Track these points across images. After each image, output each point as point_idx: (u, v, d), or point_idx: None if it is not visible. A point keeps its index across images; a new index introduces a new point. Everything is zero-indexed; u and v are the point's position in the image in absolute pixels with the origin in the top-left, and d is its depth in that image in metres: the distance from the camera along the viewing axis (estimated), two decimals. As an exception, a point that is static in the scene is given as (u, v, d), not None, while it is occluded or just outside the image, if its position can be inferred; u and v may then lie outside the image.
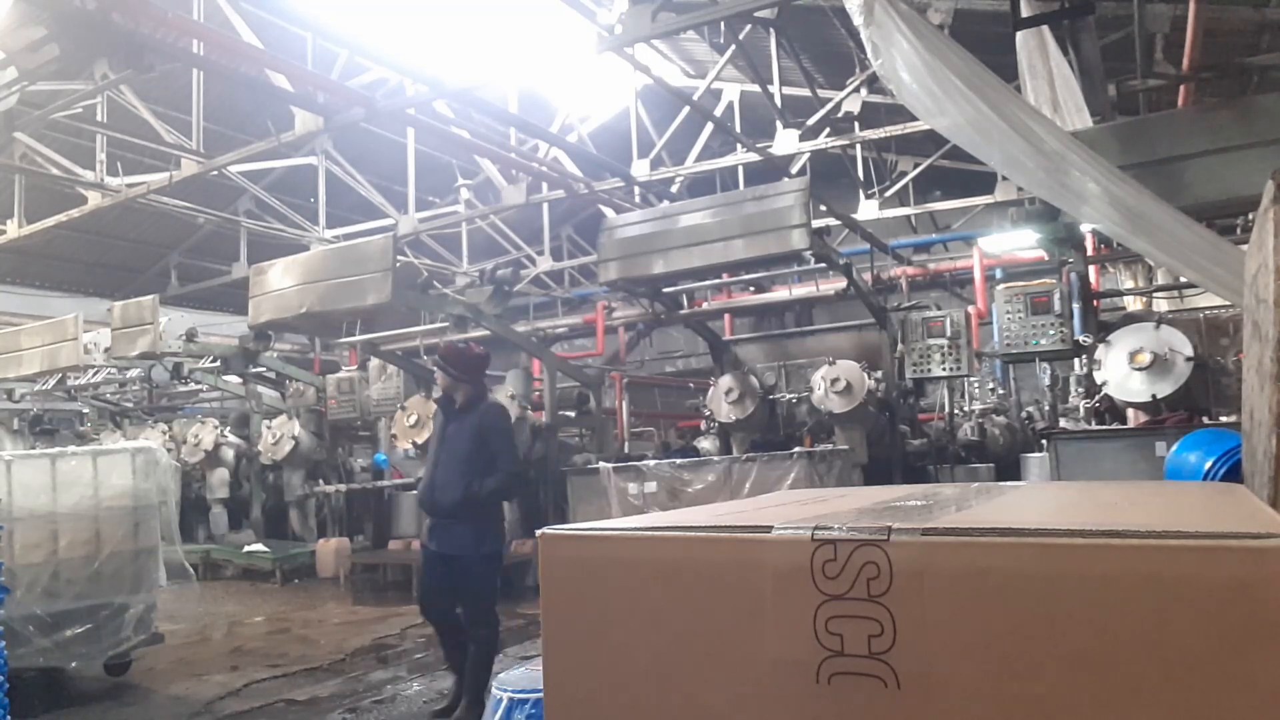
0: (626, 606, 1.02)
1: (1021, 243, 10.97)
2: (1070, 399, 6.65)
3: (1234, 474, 2.67)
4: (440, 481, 4.51)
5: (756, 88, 8.57)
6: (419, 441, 9.40)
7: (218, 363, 11.12)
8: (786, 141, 8.13)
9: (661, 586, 1.00)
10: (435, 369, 4.80)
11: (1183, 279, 6.08)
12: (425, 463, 4.80)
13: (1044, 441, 6.20)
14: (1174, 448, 3.75)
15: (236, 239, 12.89)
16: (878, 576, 0.87)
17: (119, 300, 10.76)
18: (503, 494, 4.75)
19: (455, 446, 4.53)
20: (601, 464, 7.91)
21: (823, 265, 8.29)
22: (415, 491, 5.10)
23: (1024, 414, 10.97)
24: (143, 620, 5.31)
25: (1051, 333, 6.20)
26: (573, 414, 10.21)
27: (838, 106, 8.41)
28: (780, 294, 11.81)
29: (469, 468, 4.51)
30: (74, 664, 5.05)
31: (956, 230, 12.86)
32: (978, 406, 10.73)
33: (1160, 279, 7.97)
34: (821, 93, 9.27)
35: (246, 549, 10.49)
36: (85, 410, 14.40)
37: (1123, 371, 5.78)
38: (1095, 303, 6.60)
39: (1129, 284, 8.89)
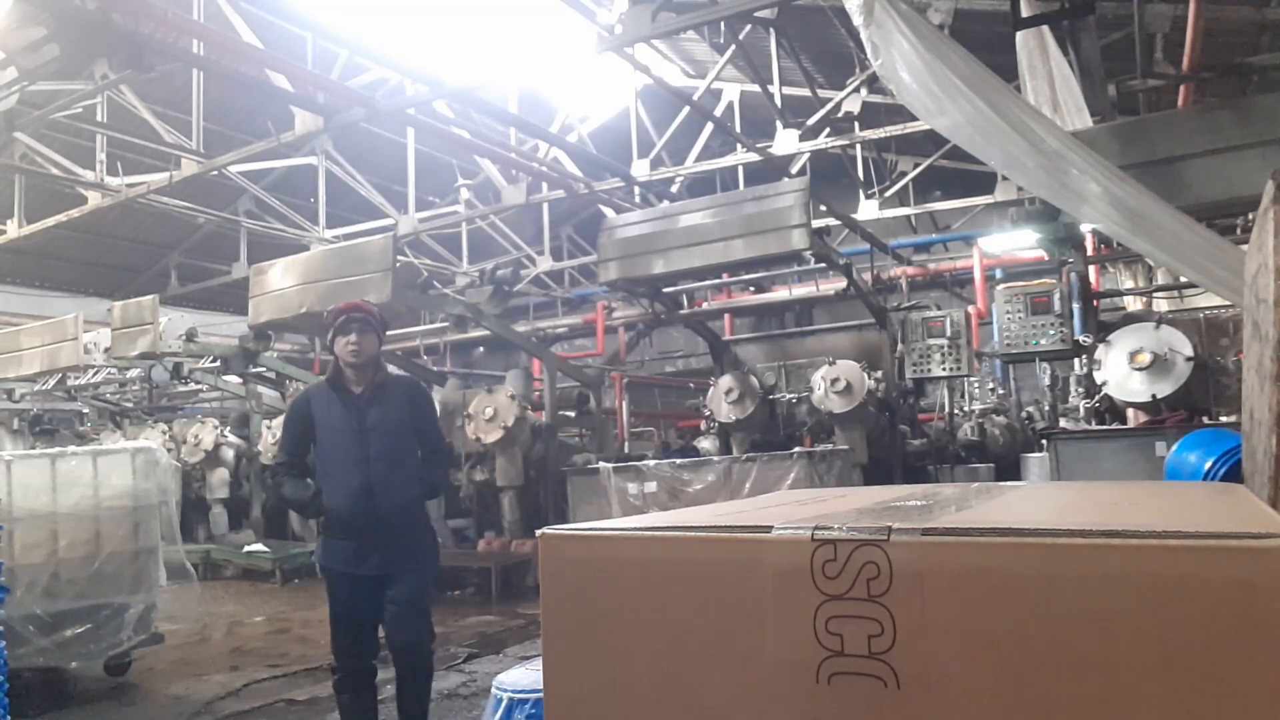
0: (626, 606, 1.02)
1: (1021, 243, 10.98)
2: (1070, 399, 6.64)
3: (1234, 474, 2.67)
4: (380, 480, 3.55)
5: (756, 88, 8.57)
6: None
7: (218, 363, 11.12)
8: (786, 141, 8.13)
9: (661, 586, 1.00)
10: (343, 333, 3.59)
11: (1183, 279, 6.09)
12: (329, 463, 3.62)
13: (1044, 441, 6.20)
14: (1174, 448, 3.74)
15: (236, 239, 12.90)
16: (878, 576, 0.87)
17: (119, 300, 10.76)
18: (449, 477, 4.06)
19: (388, 434, 3.63)
20: (601, 464, 7.91)
21: (823, 265, 8.29)
22: (317, 503, 3.64)
23: (1024, 414, 10.97)
24: (143, 620, 5.31)
25: (1051, 333, 6.20)
26: (573, 414, 10.21)
27: (838, 106, 8.41)
28: (780, 294, 11.83)
29: (412, 457, 3.74)
30: (74, 664, 5.04)
31: (956, 230, 12.87)
32: (978, 406, 10.74)
33: (1160, 279, 7.97)
34: (821, 93, 9.27)
35: (246, 549, 10.48)
36: (85, 410, 14.39)
37: (1123, 371, 5.78)
38: (1095, 303, 6.59)
39: (1129, 284, 8.89)
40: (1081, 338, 6.14)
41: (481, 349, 15.09)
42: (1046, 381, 7.38)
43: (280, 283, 8.27)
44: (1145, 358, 5.67)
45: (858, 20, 3.58)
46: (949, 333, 7.67)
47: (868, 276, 9.36)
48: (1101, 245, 7.00)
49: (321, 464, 3.66)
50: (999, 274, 11.70)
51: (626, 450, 10.64)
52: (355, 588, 3.57)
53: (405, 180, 10.66)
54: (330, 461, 3.62)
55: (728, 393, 8.39)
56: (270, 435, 11.40)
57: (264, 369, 11.45)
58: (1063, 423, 6.67)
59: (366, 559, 3.54)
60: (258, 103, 10.84)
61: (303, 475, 3.70)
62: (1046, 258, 9.63)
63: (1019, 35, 4.79)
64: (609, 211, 9.99)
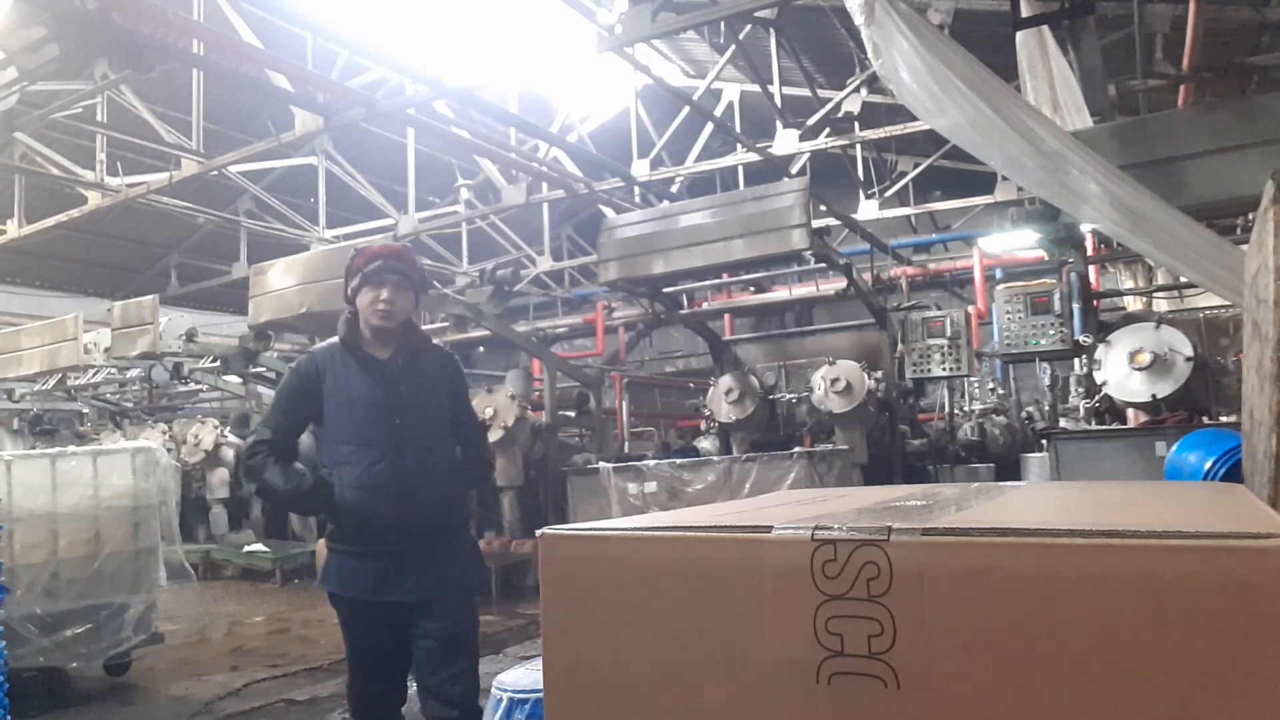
0: (626, 606, 1.02)
1: (1021, 243, 10.99)
2: (1070, 399, 6.64)
3: (1234, 474, 2.67)
4: (418, 473, 2.73)
5: (756, 88, 8.58)
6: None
7: (218, 363, 11.12)
8: (786, 141, 8.14)
9: (661, 586, 1.00)
10: (373, 284, 2.77)
11: (1183, 279, 6.08)
12: (346, 449, 2.74)
13: (1044, 441, 6.19)
14: (1174, 448, 3.75)
15: (236, 239, 12.91)
16: (878, 576, 0.87)
17: (119, 300, 10.76)
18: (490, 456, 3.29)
19: (426, 415, 2.83)
20: (601, 464, 7.91)
21: (823, 265, 8.29)
22: (333, 496, 2.76)
23: (1024, 414, 10.96)
24: (143, 620, 5.31)
25: (1051, 333, 6.19)
26: (573, 414, 10.21)
27: (838, 106, 8.42)
28: (780, 294, 11.83)
29: (451, 447, 2.95)
30: (74, 664, 5.04)
31: (956, 230, 12.88)
32: (978, 406, 10.73)
33: (1160, 279, 7.97)
34: (821, 93, 9.27)
35: (246, 549, 10.48)
36: (85, 410, 14.40)
37: (1123, 371, 5.78)
38: (1095, 303, 6.60)
39: (1129, 284, 8.89)
40: (1081, 338, 6.14)
41: (481, 349, 15.07)
42: (1046, 381, 7.38)
43: (280, 283, 8.27)
44: (1145, 358, 5.66)
45: (858, 20, 3.58)
46: (949, 333, 7.66)
47: (868, 276, 9.36)
48: (1101, 245, 7.00)
49: (333, 450, 2.76)
50: (999, 274, 11.71)
51: (626, 450, 10.63)
52: (382, 622, 2.73)
53: (405, 180, 10.66)
54: (347, 447, 2.73)
55: (728, 393, 8.39)
56: (270, 435, 11.37)
57: (264, 369, 11.45)
58: (1063, 423, 6.67)
59: (398, 582, 2.69)
60: (258, 103, 10.84)
61: (291, 458, 2.80)
62: (1046, 258, 9.64)
63: (1019, 35, 4.79)
64: (609, 211, 9.99)
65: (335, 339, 2.87)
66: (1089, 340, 6.06)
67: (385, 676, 2.81)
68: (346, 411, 2.76)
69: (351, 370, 2.78)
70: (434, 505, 2.78)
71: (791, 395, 8.51)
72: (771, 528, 0.95)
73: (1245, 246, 2.24)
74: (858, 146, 9.94)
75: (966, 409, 10.54)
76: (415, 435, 2.77)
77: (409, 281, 2.84)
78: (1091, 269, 7.25)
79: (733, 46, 8.21)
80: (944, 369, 7.72)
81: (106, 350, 10.93)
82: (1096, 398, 5.99)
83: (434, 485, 2.79)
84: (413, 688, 2.92)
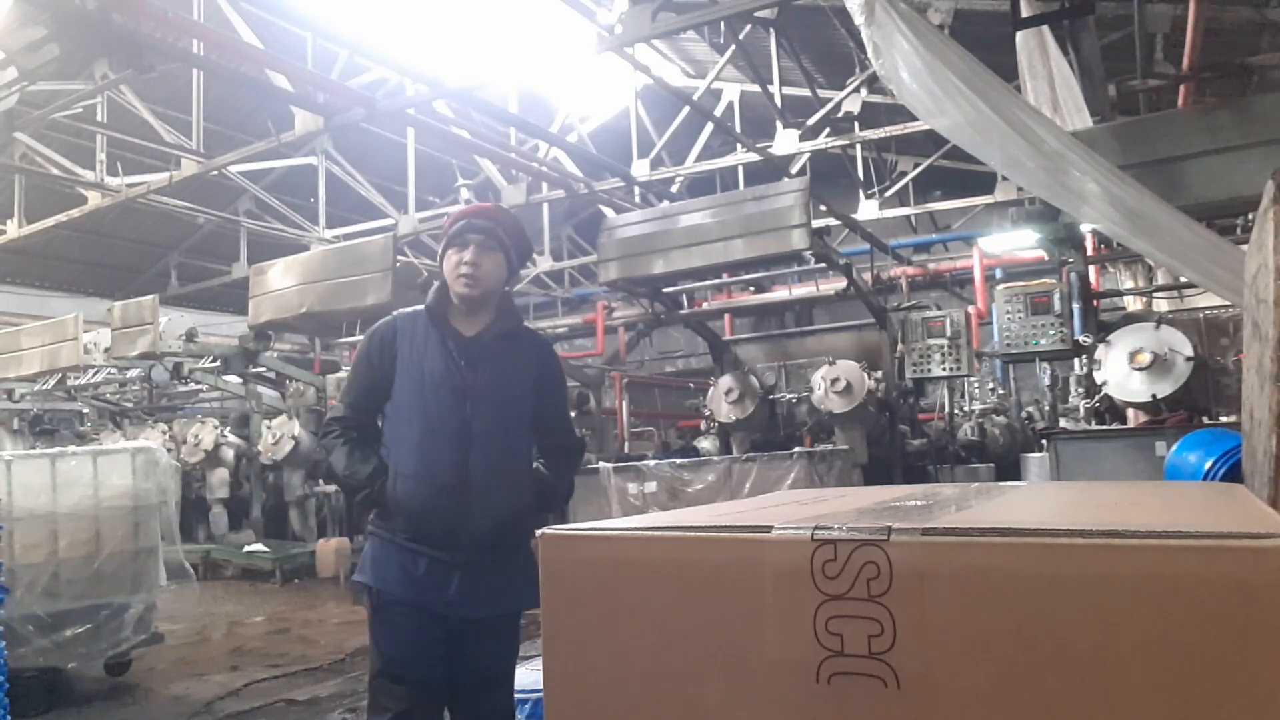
0: (626, 606, 1.02)
1: (1021, 243, 10.99)
2: (1070, 399, 6.64)
3: (1234, 474, 2.67)
4: (485, 468, 2.39)
5: (756, 88, 8.58)
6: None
7: (218, 363, 11.12)
8: (786, 141, 8.14)
9: (662, 586, 1.00)
10: (458, 245, 2.47)
11: (1183, 279, 6.08)
12: (408, 429, 2.43)
13: (1044, 441, 6.19)
14: (1174, 448, 3.75)
15: (236, 239, 12.91)
16: (878, 576, 0.87)
17: (119, 300, 10.76)
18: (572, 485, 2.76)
19: (504, 404, 2.47)
20: (601, 464, 7.90)
21: (823, 265, 8.29)
22: (394, 488, 2.41)
23: (1024, 414, 10.97)
24: (143, 620, 5.30)
25: (1051, 333, 6.19)
26: (573, 414, 10.21)
27: (838, 106, 8.42)
28: (780, 294, 11.83)
29: (528, 446, 2.59)
30: (74, 664, 5.04)
31: (956, 230, 12.88)
32: (978, 406, 10.74)
33: (1160, 279, 7.97)
34: (821, 93, 9.27)
35: (246, 549, 10.48)
36: (85, 410, 14.39)
37: (1123, 371, 5.78)
38: (1095, 303, 6.59)
39: (1129, 284, 8.89)
40: (1081, 338, 6.13)
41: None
42: (1046, 381, 7.38)
43: (280, 283, 8.27)
44: (1145, 358, 5.66)
45: (859, 20, 3.58)
46: (949, 333, 7.66)
47: (868, 276, 9.36)
48: (1101, 245, 7.00)
49: (395, 430, 2.46)
50: (999, 274, 11.72)
51: (626, 450, 10.63)
52: (418, 629, 2.34)
53: (405, 180, 10.66)
54: (409, 426, 2.42)
55: (728, 393, 8.39)
56: (270, 435, 11.40)
57: (264, 369, 11.45)
58: (1063, 423, 6.67)
59: (444, 583, 2.34)
60: (258, 103, 10.85)
61: (367, 440, 2.49)
62: (1046, 258, 9.63)
63: (1019, 35, 4.79)
64: (609, 211, 9.98)
65: (422, 306, 2.54)
66: (1089, 340, 6.05)
67: (414, 701, 2.33)
68: (416, 389, 2.42)
69: (431, 343, 2.45)
70: (497, 511, 2.40)
71: (791, 395, 8.50)
72: (771, 528, 0.95)
73: (1245, 246, 2.24)
74: (858, 146, 9.94)
75: (966, 409, 10.54)
76: (488, 425, 2.41)
77: (496, 242, 2.46)
78: (1091, 269, 7.24)
79: (733, 46, 8.21)
80: (944, 369, 7.72)
81: (106, 350, 10.94)
82: (1096, 398, 5.99)
83: (502, 489, 2.42)
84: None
